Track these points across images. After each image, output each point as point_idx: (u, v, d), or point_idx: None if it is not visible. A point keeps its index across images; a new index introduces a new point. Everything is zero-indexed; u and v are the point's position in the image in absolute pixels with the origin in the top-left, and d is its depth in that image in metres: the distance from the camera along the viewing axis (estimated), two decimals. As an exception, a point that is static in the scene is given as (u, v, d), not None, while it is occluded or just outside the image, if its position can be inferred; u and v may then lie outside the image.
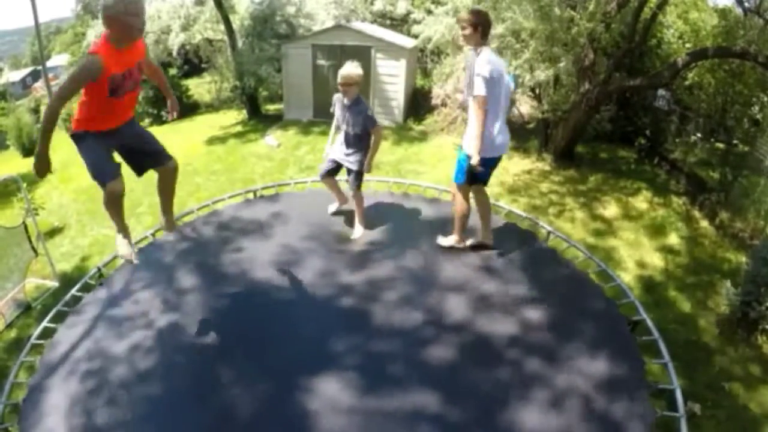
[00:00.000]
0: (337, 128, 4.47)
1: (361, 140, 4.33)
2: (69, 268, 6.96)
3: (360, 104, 4.26)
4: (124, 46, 2.66)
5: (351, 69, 4.15)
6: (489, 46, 3.60)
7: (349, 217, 4.76)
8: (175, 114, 3.46)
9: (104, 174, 2.88)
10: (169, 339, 3.53)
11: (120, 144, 2.98)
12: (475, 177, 3.82)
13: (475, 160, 3.58)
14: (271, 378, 3.24)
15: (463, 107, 3.94)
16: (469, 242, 4.18)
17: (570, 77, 8.54)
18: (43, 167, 2.77)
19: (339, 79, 4.15)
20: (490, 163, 3.80)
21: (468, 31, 3.54)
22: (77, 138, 2.88)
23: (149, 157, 3.14)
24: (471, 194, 4.04)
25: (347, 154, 4.40)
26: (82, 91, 2.68)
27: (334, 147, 4.49)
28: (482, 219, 4.16)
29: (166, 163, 3.18)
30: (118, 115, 2.91)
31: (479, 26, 3.53)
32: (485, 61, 3.46)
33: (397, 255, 4.33)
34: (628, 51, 8.36)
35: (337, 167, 4.56)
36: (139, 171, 3.21)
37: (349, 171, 4.46)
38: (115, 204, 3.04)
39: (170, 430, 2.98)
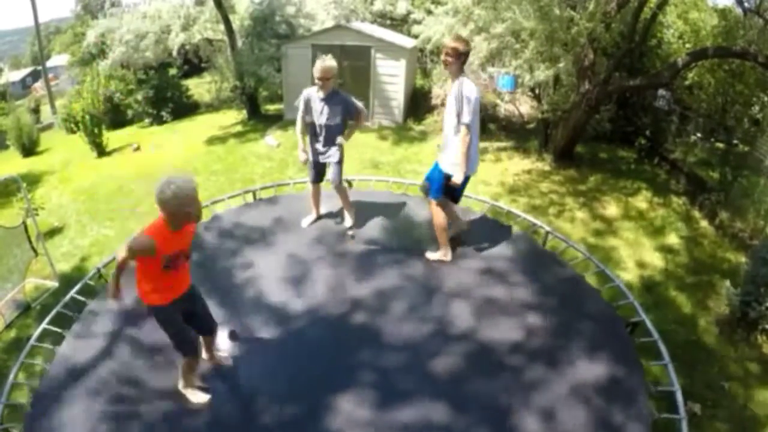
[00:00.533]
0: (306, 126, 4.45)
1: (340, 131, 4.38)
2: (69, 269, 6.95)
3: (338, 94, 4.33)
4: (179, 229, 2.80)
5: (329, 62, 4.23)
6: (466, 75, 3.83)
7: (347, 219, 4.76)
8: None
9: (191, 347, 3.07)
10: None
11: (187, 310, 3.08)
12: (452, 192, 4.08)
13: (459, 179, 3.86)
14: (272, 382, 3.25)
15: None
16: (450, 233, 4.37)
17: (570, 77, 8.54)
18: (113, 292, 2.89)
19: (319, 73, 4.18)
20: (466, 181, 4.06)
21: (451, 59, 3.73)
22: (155, 313, 2.97)
23: (203, 328, 3.28)
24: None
25: (326, 151, 4.43)
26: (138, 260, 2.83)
27: (309, 151, 4.50)
28: (451, 217, 4.37)
29: (212, 333, 3.35)
30: (180, 282, 3.00)
31: (462, 56, 3.74)
32: (471, 91, 3.72)
33: (396, 256, 4.33)
34: (628, 51, 8.36)
35: (323, 170, 4.60)
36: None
37: (330, 164, 4.50)
38: (194, 369, 3.19)
39: None
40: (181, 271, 2.96)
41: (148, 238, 2.70)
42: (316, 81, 4.23)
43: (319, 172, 4.60)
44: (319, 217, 4.83)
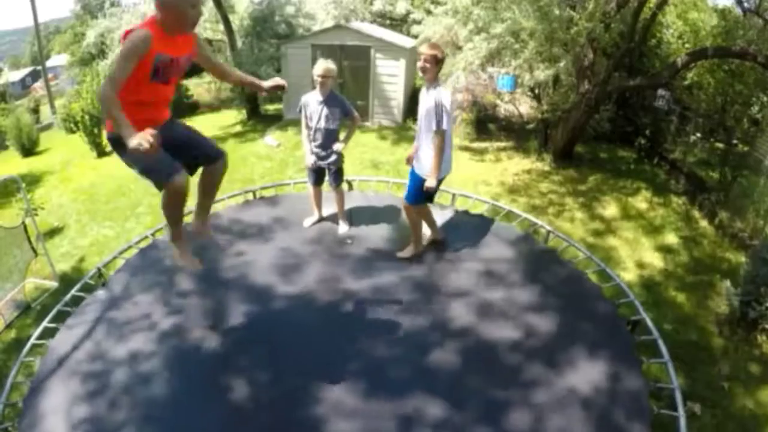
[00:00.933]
0: (308, 130, 4.45)
1: (337, 135, 4.39)
2: (68, 269, 6.95)
3: (336, 96, 4.34)
4: (175, 36, 2.43)
5: (328, 63, 4.26)
6: (441, 83, 3.98)
7: (347, 220, 4.76)
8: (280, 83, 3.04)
9: (163, 168, 2.50)
10: (168, 341, 3.52)
11: (167, 142, 2.43)
12: (429, 196, 4.16)
13: (432, 184, 3.92)
14: (270, 380, 3.24)
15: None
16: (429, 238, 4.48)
17: (569, 77, 8.55)
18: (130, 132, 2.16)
19: (320, 71, 4.19)
20: (440, 182, 4.12)
21: (429, 65, 3.80)
22: (117, 141, 2.39)
23: (200, 155, 2.86)
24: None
25: (326, 156, 4.42)
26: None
27: (311, 155, 4.49)
28: (429, 224, 4.43)
29: (217, 160, 2.90)
30: (156, 107, 2.59)
31: (439, 63, 3.83)
32: (448, 99, 3.84)
33: (396, 256, 4.33)
34: (627, 51, 8.37)
35: (322, 174, 4.59)
36: (190, 170, 2.79)
37: (329, 170, 4.50)
38: (178, 205, 2.67)
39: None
40: (166, 88, 2.55)
41: (141, 29, 2.30)
42: (316, 78, 4.23)
43: (318, 175, 4.60)
44: (321, 219, 4.82)
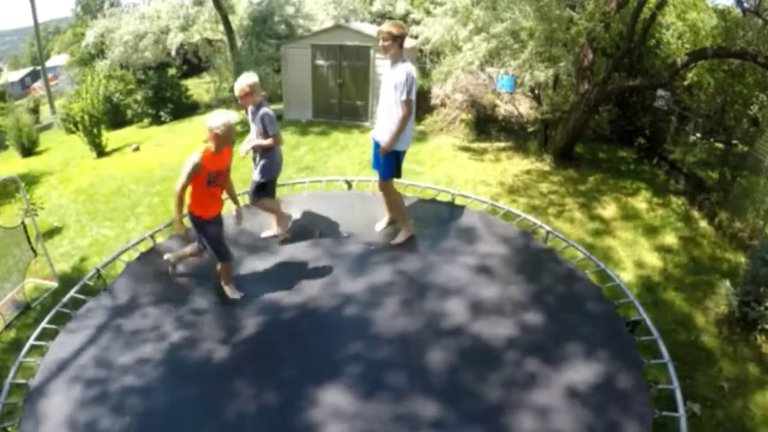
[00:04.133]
0: None
1: (265, 148, 4.36)
2: (68, 269, 6.94)
3: (259, 113, 4.28)
4: (218, 152, 3.72)
5: (240, 81, 4.21)
6: (406, 58, 4.09)
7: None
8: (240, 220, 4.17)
9: (228, 252, 3.99)
10: (167, 343, 3.53)
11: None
12: (398, 169, 4.35)
13: (388, 146, 4.11)
14: (269, 381, 3.25)
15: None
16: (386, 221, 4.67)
17: (569, 77, 8.54)
18: (179, 227, 3.81)
19: (236, 92, 4.25)
20: (402, 156, 4.32)
21: (388, 43, 3.95)
22: (202, 224, 3.85)
23: None
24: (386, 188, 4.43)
25: (256, 164, 4.41)
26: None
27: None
28: (395, 207, 4.56)
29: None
30: (215, 200, 3.90)
31: (398, 39, 3.97)
32: (413, 70, 3.98)
33: (395, 255, 4.33)
34: (627, 51, 8.36)
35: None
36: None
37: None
38: (231, 270, 4.09)
39: None
40: (217, 190, 3.86)
41: (196, 157, 3.60)
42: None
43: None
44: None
